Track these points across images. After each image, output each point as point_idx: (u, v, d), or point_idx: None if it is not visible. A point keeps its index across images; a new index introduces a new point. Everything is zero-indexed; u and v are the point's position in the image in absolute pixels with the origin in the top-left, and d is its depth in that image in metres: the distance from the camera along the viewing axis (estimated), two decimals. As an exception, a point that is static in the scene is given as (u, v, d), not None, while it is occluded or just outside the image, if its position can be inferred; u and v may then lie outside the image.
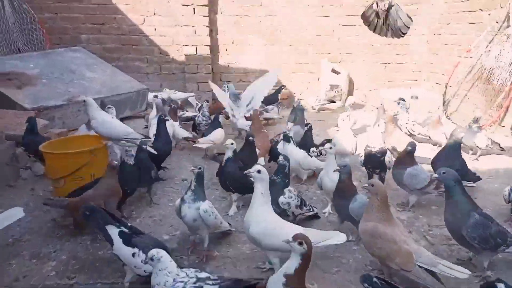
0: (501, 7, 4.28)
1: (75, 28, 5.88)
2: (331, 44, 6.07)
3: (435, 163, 2.68)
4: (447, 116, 4.62)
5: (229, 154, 2.55)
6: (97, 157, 2.54)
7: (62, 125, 4.25)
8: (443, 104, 4.78)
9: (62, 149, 2.64)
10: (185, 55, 5.87)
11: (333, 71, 5.91)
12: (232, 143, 2.58)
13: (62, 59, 5.06)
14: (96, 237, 2.14)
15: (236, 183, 2.51)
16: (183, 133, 3.83)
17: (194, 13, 5.74)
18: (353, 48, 6.08)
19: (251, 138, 2.93)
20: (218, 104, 4.66)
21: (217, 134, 3.57)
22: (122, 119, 4.65)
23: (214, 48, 5.97)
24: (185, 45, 5.84)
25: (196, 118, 4.16)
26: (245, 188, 2.43)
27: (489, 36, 4.38)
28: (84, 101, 2.73)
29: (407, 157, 2.55)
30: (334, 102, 5.92)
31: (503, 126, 4.25)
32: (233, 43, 6.04)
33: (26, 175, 3.01)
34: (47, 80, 4.56)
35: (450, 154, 2.66)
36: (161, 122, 3.14)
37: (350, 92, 6.14)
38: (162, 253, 1.52)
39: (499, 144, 3.47)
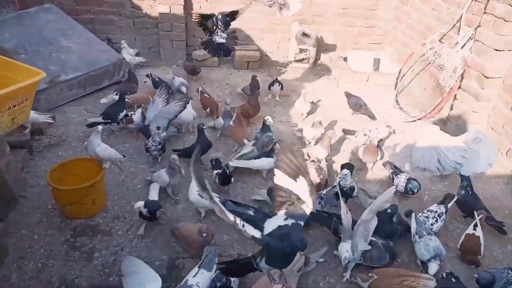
0: (458, 7, 4.60)
1: (43, -22, 5.67)
2: (303, 5, 6.19)
3: None
4: (398, 105, 5.19)
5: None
6: (96, 187, 3.10)
7: (47, 105, 4.58)
8: (395, 90, 5.32)
9: (67, 175, 3.18)
10: (159, 13, 5.90)
11: (304, 34, 6.17)
12: None
13: (36, 24, 5.07)
14: (107, 261, 2.84)
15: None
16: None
17: (166, -31, 5.65)
18: (324, 10, 6.26)
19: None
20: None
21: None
22: (100, 89, 5.05)
23: (187, 5, 5.98)
24: (159, 3, 5.83)
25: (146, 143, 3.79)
26: None
27: (441, 36, 4.81)
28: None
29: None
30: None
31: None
32: (206, 0, 6.05)
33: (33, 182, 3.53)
34: (26, 56, 4.68)
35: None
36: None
37: (318, 54, 6.50)
38: None
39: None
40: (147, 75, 4.97)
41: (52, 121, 4.14)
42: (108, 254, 2.92)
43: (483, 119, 4.23)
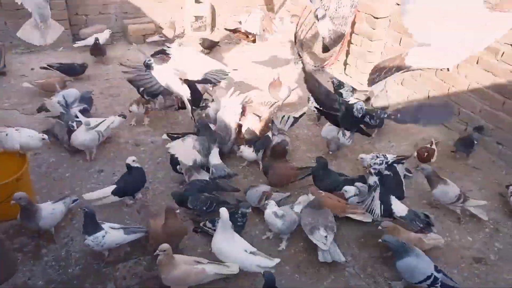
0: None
1: None
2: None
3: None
4: (301, 57, 5.51)
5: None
6: (23, 180, 2.73)
7: None
8: (296, 45, 5.62)
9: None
10: (33, -10, 5.20)
11: (196, 1, 6.09)
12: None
13: None
14: (59, 254, 2.56)
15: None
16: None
17: None
18: (212, -25, 6.23)
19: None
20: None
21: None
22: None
23: (65, -21, 5.41)
24: (30, -21, 5.13)
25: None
26: None
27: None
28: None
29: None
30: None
31: (338, 60, 5.41)
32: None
33: None
34: None
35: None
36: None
37: (214, 21, 6.48)
38: None
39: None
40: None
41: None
42: (58, 247, 2.65)
43: (377, 57, 4.75)
